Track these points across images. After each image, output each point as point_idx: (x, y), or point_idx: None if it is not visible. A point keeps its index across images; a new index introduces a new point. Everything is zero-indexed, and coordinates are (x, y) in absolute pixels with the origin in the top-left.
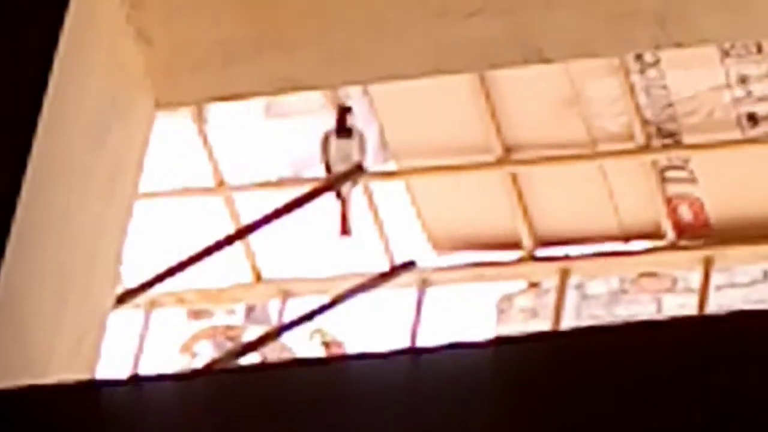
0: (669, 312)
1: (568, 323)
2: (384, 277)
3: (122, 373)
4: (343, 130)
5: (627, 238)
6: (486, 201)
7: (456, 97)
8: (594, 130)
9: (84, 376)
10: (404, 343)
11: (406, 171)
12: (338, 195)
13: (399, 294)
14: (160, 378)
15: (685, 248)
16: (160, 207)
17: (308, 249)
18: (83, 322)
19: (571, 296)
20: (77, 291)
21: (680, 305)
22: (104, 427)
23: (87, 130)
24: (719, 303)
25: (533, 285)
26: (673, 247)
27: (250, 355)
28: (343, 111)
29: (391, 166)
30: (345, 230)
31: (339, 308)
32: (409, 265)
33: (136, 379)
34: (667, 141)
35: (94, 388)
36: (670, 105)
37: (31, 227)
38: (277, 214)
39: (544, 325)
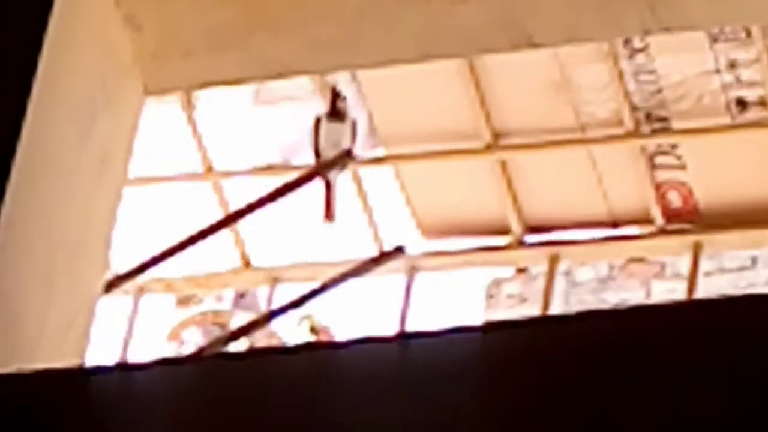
0: (658, 298)
1: (556, 310)
2: (373, 263)
3: (111, 360)
4: (335, 114)
5: (616, 224)
6: (475, 187)
7: (445, 83)
8: (583, 115)
9: (72, 362)
10: (393, 329)
11: (395, 157)
12: (326, 181)
13: (388, 280)
14: (149, 365)
15: (673, 234)
16: (149, 193)
17: (297, 235)
18: (72, 308)
19: (560, 282)
20: (66, 277)
21: (669, 291)
22: (92, 414)
23: (76, 116)
24: (708, 289)
25: (521, 271)
26: (661, 232)
27: (238, 341)
28: (336, 96)
29: (379, 152)
30: (329, 216)
31: (328, 294)
32: (397, 251)
33: (124, 366)
34: (656, 126)
35: (82, 374)
36: (659, 90)
37: (20, 213)
38: (266, 200)
39: (532, 311)
